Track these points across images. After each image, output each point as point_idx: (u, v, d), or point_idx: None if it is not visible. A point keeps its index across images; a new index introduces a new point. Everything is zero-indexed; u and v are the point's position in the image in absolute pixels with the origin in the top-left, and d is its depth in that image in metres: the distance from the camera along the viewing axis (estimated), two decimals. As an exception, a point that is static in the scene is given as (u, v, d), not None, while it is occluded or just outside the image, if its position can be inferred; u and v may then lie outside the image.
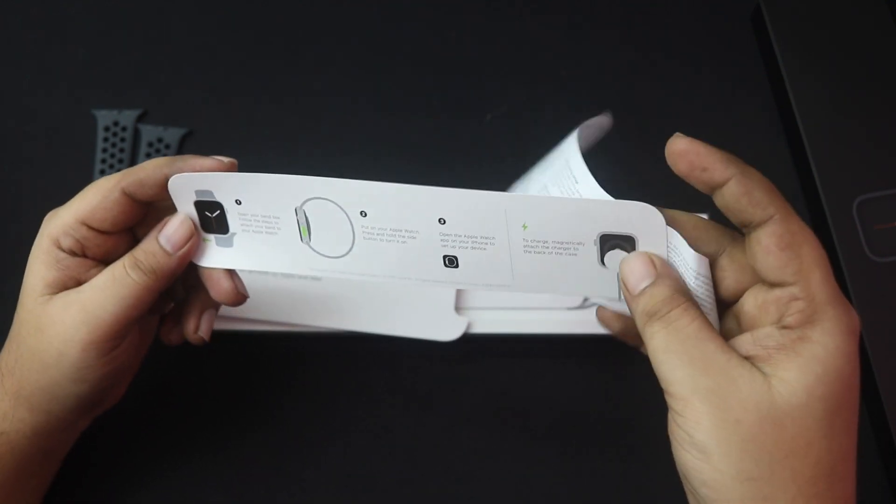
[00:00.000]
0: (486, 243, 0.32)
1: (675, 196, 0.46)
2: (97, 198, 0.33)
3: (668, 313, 0.28)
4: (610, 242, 0.31)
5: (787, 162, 0.48)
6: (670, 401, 0.27)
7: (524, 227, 0.31)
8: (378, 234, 0.33)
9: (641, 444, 0.42)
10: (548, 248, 0.31)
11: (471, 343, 0.42)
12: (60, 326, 0.32)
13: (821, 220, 0.44)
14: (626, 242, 0.30)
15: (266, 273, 0.42)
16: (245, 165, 0.50)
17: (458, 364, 0.43)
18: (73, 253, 0.33)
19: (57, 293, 0.33)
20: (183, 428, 0.43)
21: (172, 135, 0.48)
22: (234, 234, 0.34)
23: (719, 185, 0.28)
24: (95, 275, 0.33)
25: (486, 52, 0.50)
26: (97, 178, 0.47)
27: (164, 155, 0.48)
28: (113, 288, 0.32)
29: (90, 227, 0.33)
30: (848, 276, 0.42)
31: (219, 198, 0.33)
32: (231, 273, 0.34)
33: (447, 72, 0.50)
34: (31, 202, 0.47)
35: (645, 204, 0.30)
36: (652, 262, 0.29)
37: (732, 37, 0.50)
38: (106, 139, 0.48)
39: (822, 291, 0.27)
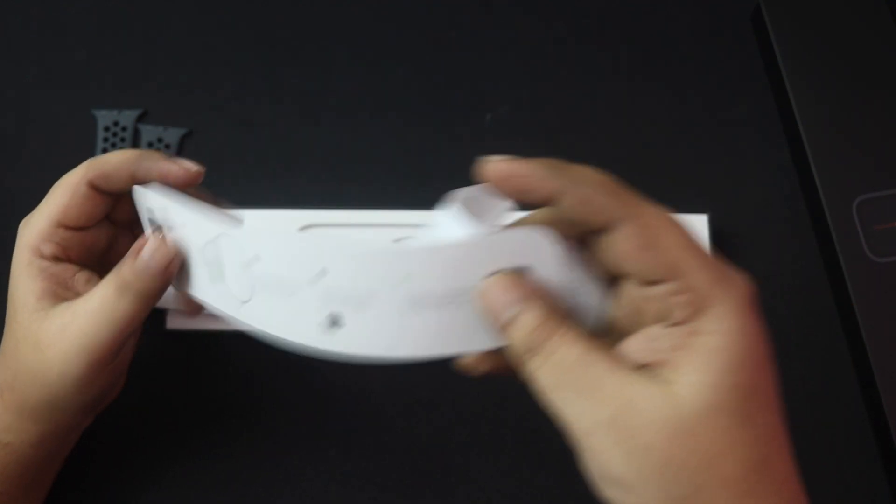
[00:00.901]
0: (370, 298, 0.28)
1: (676, 196, 0.46)
2: (66, 196, 0.32)
3: (544, 345, 0.25)
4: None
5: (787, 162, 0.48)
6: (571, 438, 0.25)
7: (407, 278, 0.28)
8: (268, 284, 0.30)
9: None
10: (434, 301, 0.28)
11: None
12: (60, 349, 0.32)
13: (821, 220, 0.44)
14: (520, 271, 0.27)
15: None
16: (244, 165, 0.50)
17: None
18: (56, 259, 0.33)
19: (50, 306, 0.32)
20: (182, 428, 0.43)
21: (172, 135, 0.48)
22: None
23: (551, 200, 0.26)
24: (81, 281, 0.33)
25: (485, 52, 0.50)
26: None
27: (167, 144, 0.48)
28: (104, 315, 0.32)
29: (67, 228, 0.33)
30: (848, 276, 0.42)
31: (158, 219, 0.33)
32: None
33: (447, 72, 0.50)
34: (31, 202, 0.47)
35: (531, 230, 0.27)
36: (513, 284, 0.26)
37: (732, 37, 0.50)
38: (106, 139, 0.48)
39: (701, 277, 0.24)
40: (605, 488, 0.25)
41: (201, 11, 0.51)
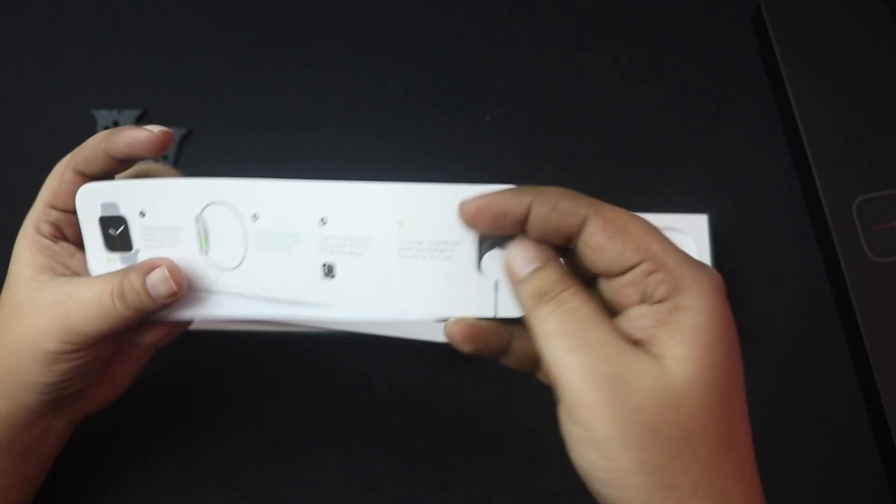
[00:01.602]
0: (364, 246, 0.30)
1: (678, 196, 0.46)
2: (55, 181, 0.34)
3: (560, 294, 0.26)
4: (489, 241, 0.29)
5: (787, 162, 0.48)
6: (562, 392, 0.25)
7: (400, 223, 0.29)
8: (267, 240, 0.31)
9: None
10: (423, 250, 0.29)
11: (470, 343, 0.42)
12: (41, 320, 0.32)
13: (821, 221, 0.44)
14: (505, 239, 0.28)
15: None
16: (244, 165, 0.50)
17: (457, 364, 0.43)
18: (53, 237, 0.34)
19: (48, 280, 0.33)
20: (182, 429, 0.42)
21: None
22: (137, 250, 0.33)
23: (525, 217, 0.27)
24: (81, 261, 0.34)
25: (485, 52, 0.50)
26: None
27: (164, 155, 0.48)
28: (97, 310, 0.32)
29: (59, 210, 0.34)
30: (848, 276, 0.42)
31: (123, 211, 0.33)
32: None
33: (447, 72, 0.50)
34: (31, 202, 0.47)
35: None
36: (540, 246, 0.28)
37: (732, 37, 0.50)
38: (106, 139, 0.48)
39: (670, 258, 0.26)
40: (582, 450, 0.26)
41: (201, 12, 0.51)
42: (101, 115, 0.48)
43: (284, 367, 0.44)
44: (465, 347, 0.29)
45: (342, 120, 0.49)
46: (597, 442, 0.25)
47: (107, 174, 0.34)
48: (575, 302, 0.26)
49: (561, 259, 0.28)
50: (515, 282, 0.28)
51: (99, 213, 0.34)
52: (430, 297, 0.29)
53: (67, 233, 0.35)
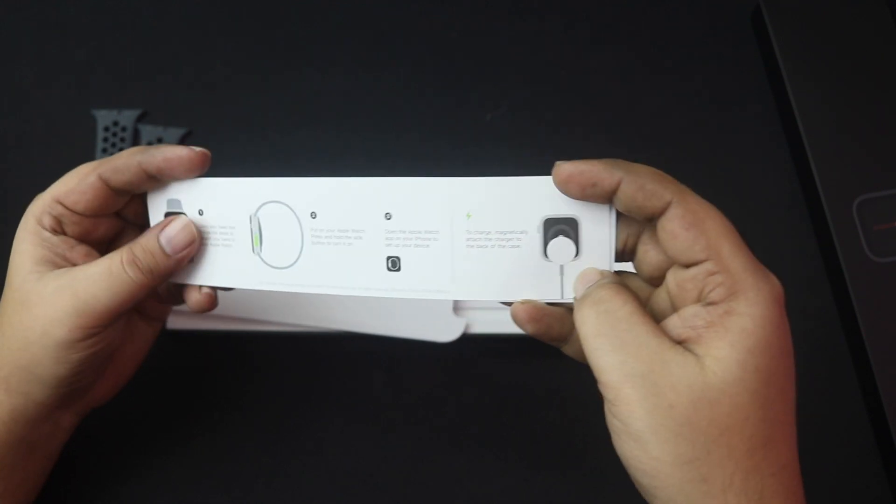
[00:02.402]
0: (430, 239, 0.31)
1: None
2: (74, 180, 0.33)
3: (599, 294, 0.28)
4: (554, 228, 0.30)
5: (788, 162, 0.48)
6: (603, 390, 0.27)
7: (468, 216, 0.30)
8: (326, 238, 0.32)
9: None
10: (490, 240, 0.30)
11: (469, 343, 0.42)
12: (49, 308, 0.32)
13: (821, 221, 0.44)
14: (569, 227, 0.30)
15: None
16: (244, 165, 0.50)
17: (456, 365, 0.43)
18: (54, 231, 0.34)
19: (46, 271, 0.33)
20: (181, 428, 0.43)
21: (172, 135, 0.48)
22: None
23: (613, 191, 0.28)
24: (80, 253, 0.34)
25: (486, 52, 0.50)
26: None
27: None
28: (108, 281, 0.32)
29: (66, 207, 0.34)
30: (848, 276, 0.42)
31: (185, 208, 0.34)
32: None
33: (447, 72, 0.50)
34: (30, 202, 0.47)
35: None
36: (602, 272, 0.30)
37: (732, 37, 0.50)
38: (106, 139, 0.48)
39: (736, 262, 0.27)
40: (622, 442, 0.27)
41: (201, 12, 0.51)
42: (102, 115, 0.48)
43: (284, 367, 0.44)
44: (529, 328, 0.31)
45: (342, 120, 0.49)
46: (633, 435, 0.26)
47: (134, 188, 0.34)
48: (615, 303, 0.27)
49: (643, 234, 0.30)
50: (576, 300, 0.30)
51: (164, 209, 0.34)
52: (498, 283, 0.31)
53: (69, 230, 0.34)
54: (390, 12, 0.52)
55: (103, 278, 0.32)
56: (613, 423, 0.27)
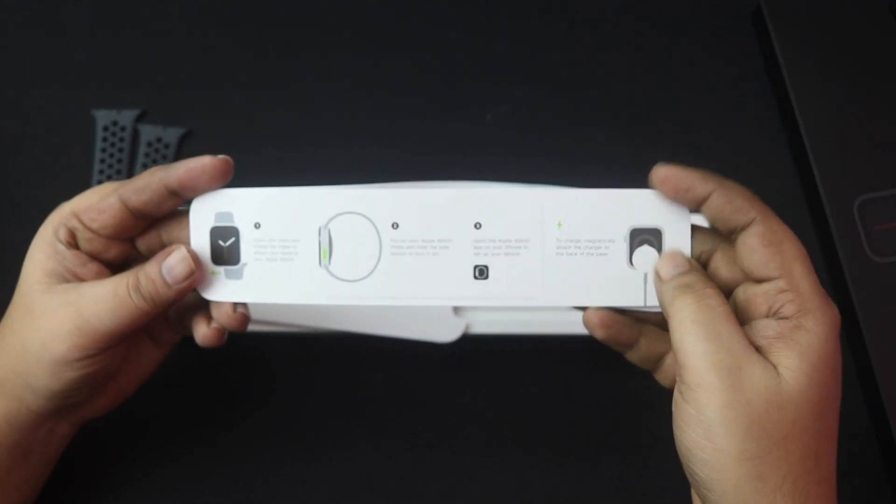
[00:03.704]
0: (521, 247, 0.32)
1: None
2: (94, 197, 0.33)
3: (703, 289, 0.30)
4: (639, 238, 0.32)
5: (788, 162, 0.48)
6: (684, 373, 0.28)
7: (559, 224, 0.32)
8: (408, 248, 0.32)
9: (642, 444, 0.42)
10: (580, 248, 0.32)
11: (469, 343, 0.42)
12: (52, 321, 0.32)
13: (821, 220, 0.44)
14: (653, 237, 0.32)
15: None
16: (244, 165, 0.50)
17: (456, 365, 0.43)
18: (68, 244, 0.34)
19: (54, 283, 0.33)
20: (181, 429, 0.42)
21: (171, 134, 0.48)
22: (244, 264, 0.33)
23: (704, 200, 0.30)
24: (91, 271, 0.34)
25: (486, 51, 0.50)
26: (96, 178, 0.47)
27: (164, 155, 0.48)
28: (112, 303, 0.32)
29: (82, 223, 0.33)
30: (849, 276, 0.42)
31: (237, 221, 0.33)
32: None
33: (447, 71, 0.50)
34: (31, 202, 0.47)
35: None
36: (689, 259, 0.32)
37: (733, 37, 0.50)
38: (105, 139, 0.48)
39: (806, 283, 0.29)
40: (689, 430, 0.28)
41: (200, 11, 0.51)
42: (101, 115, 0.48)
43: (284, 367, 0.44)
44: (599, 333, 0.33)
45: (342, 119, 0.49)
46: (705, 423, 0.28)
47: (154, 208, 0.33)
48: (715, 300, 0.29)
49: (716, 252, 0.32)
50: (662, 281, 0.31)
51: (212, 223, 0.33)
52: (585, 289, 0.32)
53: (83, 245, 0.34)
54: (390, 12, 0.51)
55: (108, 299, 0.32)
56: (685, 409, 0.28)
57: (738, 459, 0.27)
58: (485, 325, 0.42)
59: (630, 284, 0.32)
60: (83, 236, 0.34)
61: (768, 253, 0.29)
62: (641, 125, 0.49)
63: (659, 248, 0.32)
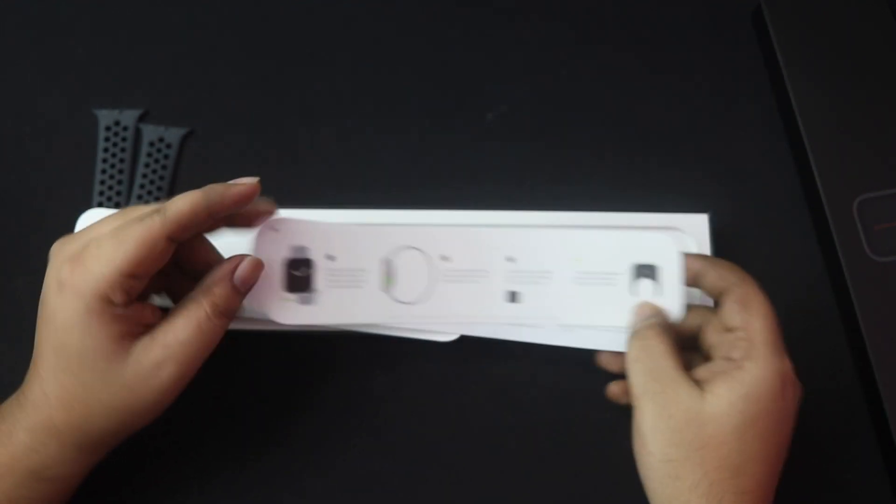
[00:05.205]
0: (546, 276, 0.39)
1: (678, 196, 0.46)
2: (143, 250, 0.32)
3: (646, 332, 0.37)
4: (639, 272, 0.39)
5: (788, 162, 0.48)
6: (631, 399, 0.36)
7: (577, 259, 0.39)
8: (455, 276, 0.39)
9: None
10: (593, 279, 0.39)
11: (469, 343, 0.42)
12: (153, 384, 0.33)
13: (821, 220, 0.44)
14: (651, 272, 0.39)
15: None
16: (245, 165, 0.50)
17: (456, 364, 0.43)
18: (126, 303, 0.33)
19: (130, 346, 0.33)
20: (181, 429, 0.43)
21: (173, 134, 0.48)
22: (317, 291, 0.38)
23: (700, 275, 0.37)
24: (149, 310, 0.35)
25: (486, 52, 0.50)
26: (98, 178, 0.47)
27: (166, 155, 0.48)
28: (201, 339, 0.34)
29: (135, 277, 0.33)
30: (848, 276, 0.42)
31: (312, 254, 0.38)
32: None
33: (448, 72, 0.50)
34: (32, 202, 0.47)
35: (661, 235, 0.39)
36: (655, 307, 0.39)
37: (733, 37, 0.50)
38: (107, 139, 0.48)
39: (761, 335, 0.34)
40: (634, 440, 0.35)
41: (202, 11, 0.52)
42: (103, 115, 0.49)
43: (284, 367, 0.44)
44: (613, 366, 0.40)
45: (342, 120, 0.49)
46: (640, 433, 0.35)
47: (192, 234, 0.34)
48: (655, 341, 0.36)
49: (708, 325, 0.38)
50: (636, 318, 0.39)
51: (287, 255, 0.38)
52: (597, 310, 0.39)
53: (136, 293, 0.34)
54: (391, 12, 0.52)
55: (196, 337, 0.34)
56: (634, 424, 0.35)
57: (661, 461, 0.34)
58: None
59: (630, 309, 0.39)
60: (140, 285, 0.33)
61: (737, 308, 0.35)
62: (641, 124, 0.49)
63: (655, 281, 0.39)
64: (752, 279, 0.36)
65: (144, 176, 0.48)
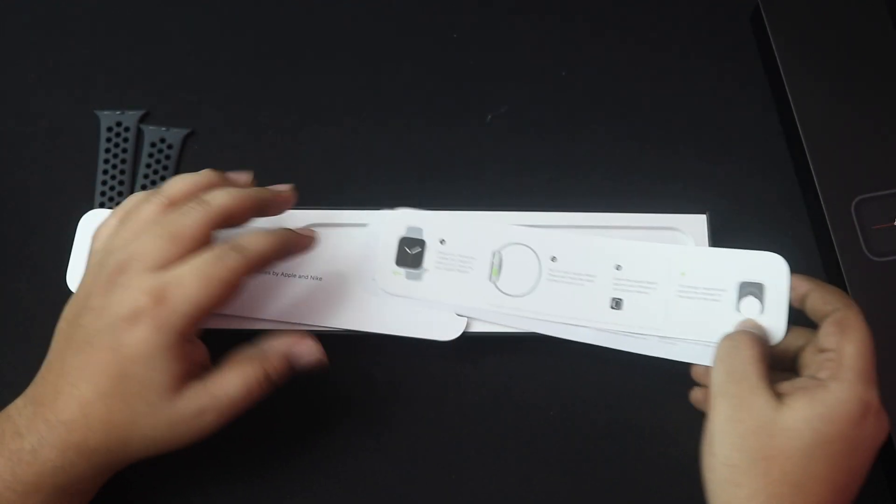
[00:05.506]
0: (650, 287, 0.40)
1: (678, 196, 0.46)
2: (227, 291, 0.34)
3: (738, 335, 0.37)
4: (745, 289, 0.39)
5: (787, 162, 0.48)
6: (708, 398, 0.36)
7: (682, 273, 0.40)
8: (562, 277, 0.41)
9: (641, 444, 0.42)
10: (697, 293, 0.40)
11: (469, 343, 0.42)
12: (195, 427, 0.34)
13: (819, 220, 0.44)
14: (757, 290, 0.39)
15: (266, 273, 0.42)
16: (246, 166, 0.50)
17: (457, 364, 0.43)
18: (192, 340, 0.35)
19: (184, 386, 0.34)
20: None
21: (175, 135, 0.48)
22: (425, 270, 0.41)
23: (805, 296, 0.38)
24: (204, 351, 0.36)
25: (486, 52, 0.51)
26: (100, 179, 0.47)
27: (167, 156, 0.48)
28: (248, 398, 0.35)
29: (206, 312, 0.34)
30: (846, 276, 0.43)
31: (425, 236, 0.41)
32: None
33: (448, 72, 0.50)
34: (34, 203, 0.48)
35: (773, 254, 0.39)
36: (757, 327, 0.39)
37: (732, 37, 0.50)
38: (109, 140, 0.48)
39: (850, 359, 0.34)
40: (704, 437, 0.35)
41: (203, 12, 0.52)
42: (105, 116, 0.49)
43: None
44: (707, 382, 0.39)
45: (342, 120, 0.49)
46: (710, 431, 0.35)
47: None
48: (745, 344, 0.36)
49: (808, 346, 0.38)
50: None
51: (403, 234, 0.42)
52: (699, 325, 0.40)
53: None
54: (391, 12, 0.52)
55: (244, 396, 0.35)
56: (706, 423, 0.35)
57: (723, 464, 0.34)
58: (485, 324, 0.42)
59: (733, 325, 0.39)
60: (203, 323, 0.35)
61: (833, 330, 0.35)
62: (640, 125, 0.49)
63: (761, 300, 0.39)
64: (857, 306, 0.36)
65: (146, 177, 0.48)
